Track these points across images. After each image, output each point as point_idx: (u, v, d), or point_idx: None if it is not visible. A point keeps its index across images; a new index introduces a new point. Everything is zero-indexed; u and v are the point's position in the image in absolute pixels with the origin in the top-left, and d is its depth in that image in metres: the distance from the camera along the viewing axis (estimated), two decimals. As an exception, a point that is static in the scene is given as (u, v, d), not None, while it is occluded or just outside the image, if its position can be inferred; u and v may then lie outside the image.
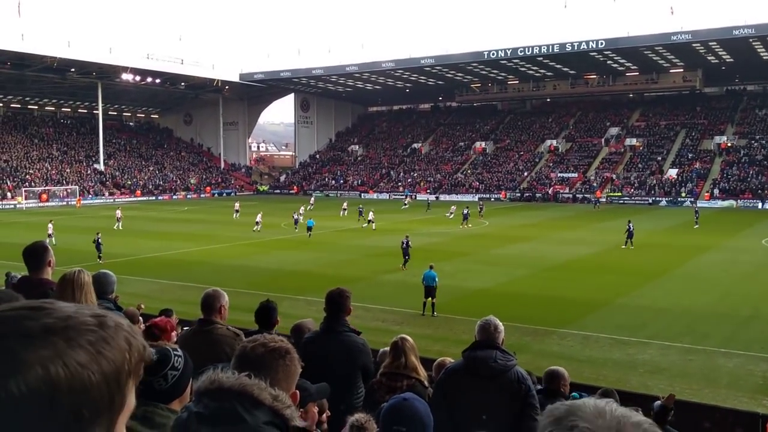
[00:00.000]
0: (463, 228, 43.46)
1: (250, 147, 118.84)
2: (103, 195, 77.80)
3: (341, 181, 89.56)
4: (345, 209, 54.34)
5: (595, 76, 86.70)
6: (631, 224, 34.13)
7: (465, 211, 45.78)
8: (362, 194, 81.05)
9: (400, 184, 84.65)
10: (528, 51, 75.43)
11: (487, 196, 73.01)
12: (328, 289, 5.40)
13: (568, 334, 18.12)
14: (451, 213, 49.43)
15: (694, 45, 68.32)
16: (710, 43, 67.65)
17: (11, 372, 0.88)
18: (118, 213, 45.35)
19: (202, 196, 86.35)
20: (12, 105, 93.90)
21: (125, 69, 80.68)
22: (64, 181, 77.45)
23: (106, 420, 0.95)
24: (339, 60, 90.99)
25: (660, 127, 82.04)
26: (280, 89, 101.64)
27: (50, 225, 36.39)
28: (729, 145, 73.47)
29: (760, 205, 62.18)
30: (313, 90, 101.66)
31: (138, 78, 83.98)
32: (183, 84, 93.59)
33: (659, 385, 13.49)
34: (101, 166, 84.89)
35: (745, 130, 76.16)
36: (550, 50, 74.04)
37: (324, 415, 3.86)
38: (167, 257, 32.02)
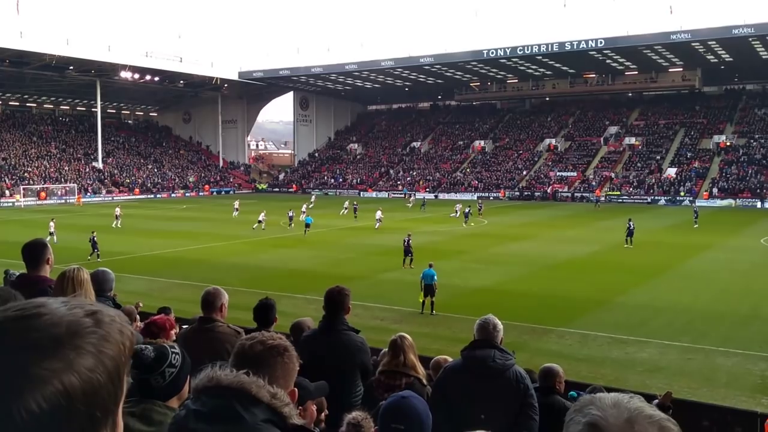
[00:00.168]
0: (465, 227, 43.64)
1: (249, 145, 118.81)
2: (101, 193, 77.74)
3: (340, 180, 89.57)
4: (346, 208, 54.39)
5: (594, 75, 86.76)
6: (631, 223, 34.16)
7: (467, 210, 46.42)
8: (361, 193, 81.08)
9: (399, 182, 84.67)
10: (527, 50, 75.45)
11: (486, 194, 73.03)
12: (327, 287, 5.40)
13: (567, 333, 18.13)
14: (457, 213, 49.60)
15: (693, 44, 68.37)
16: (709, 43, 67.71)
17: (28, 389, 0.88)
18: (118, 211, 45.36)
19: (200, 194, 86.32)
20: (10, 103, 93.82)
21: (124, 67, 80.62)
22: (63, 179, 77.41)
23: (113, 414, 0.98)
24: (338, 58, 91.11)
25: (659, 126, 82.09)
26: (279, 87, 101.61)
27: (52, 223, 36.38)
28: (728, 144, 73.55)
29: (758, 204, 62.24)
30: (312, 88, 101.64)
31: (137, 76, 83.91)
32: (182, 82, 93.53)
33: (658, 384, 13.49)
34: (100, 164, 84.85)
35: (744, 130, 76.22)
36: (550, 49, 74.04)
37: (322, 414, 3.86)
38: (166, 255, 32.01)
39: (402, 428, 2.90)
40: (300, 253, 32.31)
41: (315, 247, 34.62)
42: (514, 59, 78.71)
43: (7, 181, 72.61)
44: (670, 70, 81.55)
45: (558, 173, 77.64)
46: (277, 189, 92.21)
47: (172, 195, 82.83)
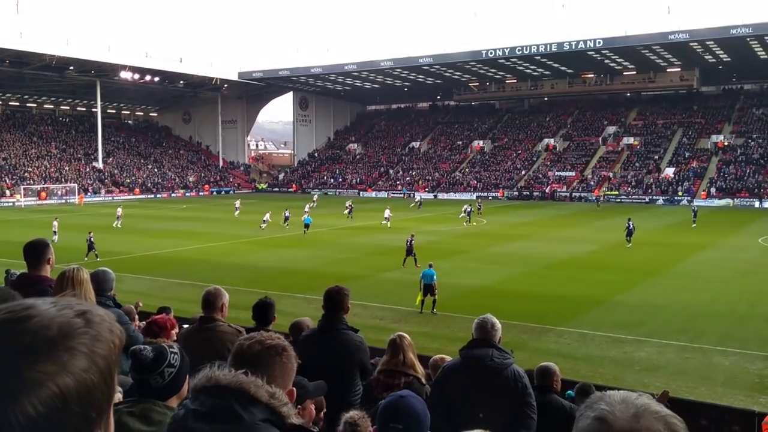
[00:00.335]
0: (467, 226, 43.77)
1: (248, 145, 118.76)
2: (100, 193, 77.66)
3: (340, 180, 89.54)
4: (348, 206, 54.37)
5: (592, 75, 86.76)
6: (631, 222, 34.17)
7: (468, 209, 46.90)
8: (361, 192, 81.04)
9: (398, 182, 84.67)
10: (526, 50, 75.44)
11: (485, 194, 73.01)
12: (327, 287, 5.42)
13: (566, 332, 18.16)
14: (464, 213, 49.70)
15: (691, 44, 68.38)
16: (707, 43, 67.72)
17: (24, 392, 0.88)
18: (119, 211, 45.44)
19: (200, 194, 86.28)
20: (10, 103, 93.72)
21: (124, 67, 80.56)
22: (63, 179, 77.35)
23: (107, 413, 0.98)
24: (338, 59, 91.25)
25: (657, 126, 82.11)
26: (278, 88, 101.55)
27: (55, 222, 36.43)
28: (726, 144, 73.57)
29: (756, 204, 62.27)
30: (311, 88, 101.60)
31: (137, 76, 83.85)
32: (182, 82, 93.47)
33: (656, 382, 13.52)
34: (100, 164, 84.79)
35: (742, 129, 76.24)
36: (548, 49, 74.03)
37: (321, 413, 3.89)
38: (166, 255, 32.01)
39: (400, 428, 2.92)
40: (300, 253, 32.31)
41: (315, 246, 34.62)
42: (512, 59, 78.70)
43: (7, 181, 72.56)
44: (668, 70, 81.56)
45: (556, 173, 77.65)
46: (276, 189, 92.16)
47: (172, 195, 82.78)
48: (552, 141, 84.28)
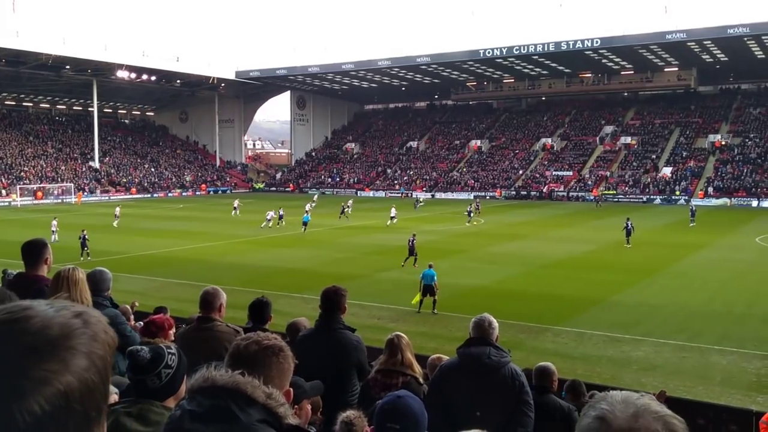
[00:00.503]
0: (468, 225, 43.96)
1: (245, 144, 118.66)
2: (96, 192, 77.51)
3: (337, 179, 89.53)
4: (349, 207, 54.44)
5: (590, 75, 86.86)
6: (629, 222, 34.20)
7: (469, 209, 47.08)
8: (358, 192, 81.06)
9: (396, 182, 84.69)
10: (523, 49, 75.51)
11: (483, 194, 73.05)
12: (324, 286, 5.41)
13: (563, 332, 18.18)
14: (478, 208, 49.78)
15: (688, 44, 68.49)
16: (705, 42, 67.84)
17: (30, 391, 0.89)
18: (117, 210, 45.50)
19: (197, 193, 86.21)
20: (6, 102, 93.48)
21: (120, 66, 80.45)
22: (59, 179, 77.21)
23: (104, 413, 1.00)
24: (335, 58, 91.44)
25: (654, 126, 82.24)
26: (276, 87, 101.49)
27: (54, 222, 36.42)
28: (723, 143, 73.70)
29: (753, 203, 62.40)
30: (309, 88, 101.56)
31: (133, 75, 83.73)
32: (178, 81, 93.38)
33: (653, 382, 13.55)
34: (96, 164, 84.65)
35: (739, 129, 76.40)
36: (546, 49, 74.11)
37: (318, 413, 3.88)
38: (162, 255, 31.97)
39: (397, 428, 2.91)
40: (298, 253, 32.29)
41: (313, 246, 34.61)
42: (510, 59, 78.76)
43: (3, 180, 72.41)
44: (665, 69, 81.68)
45: (554, 173, 77.72)
46: (274, 188, 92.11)
47: (169, 194, 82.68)
48: (549, 140, 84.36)
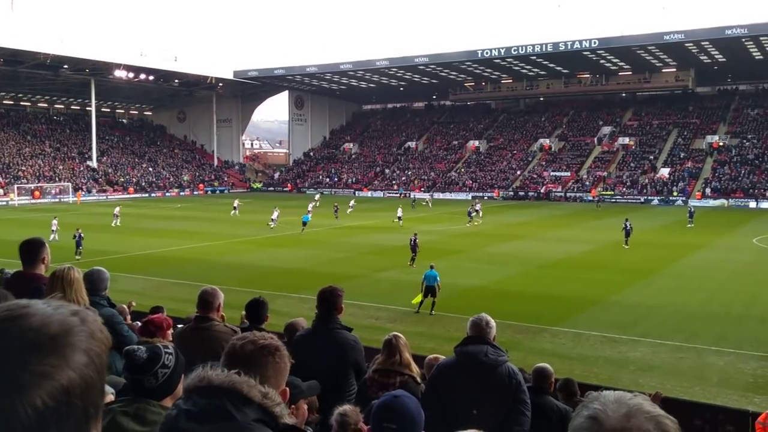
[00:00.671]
0: (470, 226, 44.06)
1: (243, 144, 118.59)
2: (92, 192, 77.39)
3: (335, 179, 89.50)
4: (352, 206, 54.56)
5: (588, 76, 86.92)
6: (628, 223, 34.23)
7: (470, 209, 47.28)
8: (356, 192, 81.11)
9: (394, 182, 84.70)
10: (521, 50, 75.55)
11: (481, 194, 73.09)
12: (322, 286, 5.41)
13: (561, 332, 18.20)
14: (479, 213, 49.87)
15: (686, 45, 68.57)
16: (703, 43, 67.91)
17: (33, 385, 0.90)
18: (117, 210, 45.54)
19: (195, 193, 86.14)
20: (4, 101, 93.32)
21: (118, 66, 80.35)
22: (57, 178, 77.10)
23: (101, 410, 1.01)
24: (333, 58, 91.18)
25: (652, 127, 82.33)
26: (274, 87, 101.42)
27: (54, 221, 36.44)
28: (721, 144, 73.79)
29: (751, 204, 62.50)
30: (307, 88, 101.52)
31: (131, 75, 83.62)
32: (176, 81, 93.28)
33: (650, 382, 13.57)
34: (94, 163, 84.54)
35: (736, 130, 76.51)
36: (544, 49, 74.14)
37: (314, 413, 3.89)
38: (160, 254, 31.94)
39: (394, 427, 2.91)
40: (296, 253, 32.28)
41: (311, 246, 34.59)
42: (508, 59, 78.79)
43: (1, 180, 72.28)
44: (663, 70, 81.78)
45: (552, 173, 77.77)
46: (272, 188, 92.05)
47: (167, 194, 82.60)
48: (547, 141, 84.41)
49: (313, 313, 5.49)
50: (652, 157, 75.87)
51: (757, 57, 70.89)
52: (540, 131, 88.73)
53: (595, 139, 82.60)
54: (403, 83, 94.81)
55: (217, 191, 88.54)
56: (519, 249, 33.18)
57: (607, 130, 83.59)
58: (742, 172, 68.17)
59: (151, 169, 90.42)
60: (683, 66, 78.60)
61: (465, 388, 4.60)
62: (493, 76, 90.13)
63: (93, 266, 5.48)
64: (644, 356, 16.12)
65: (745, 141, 73.77)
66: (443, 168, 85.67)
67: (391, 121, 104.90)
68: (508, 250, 33.00)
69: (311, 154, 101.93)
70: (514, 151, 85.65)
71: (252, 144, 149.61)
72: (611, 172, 75.12)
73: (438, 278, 20.07)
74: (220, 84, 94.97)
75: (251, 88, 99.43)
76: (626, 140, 79.68)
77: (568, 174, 76.73)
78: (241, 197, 66.56)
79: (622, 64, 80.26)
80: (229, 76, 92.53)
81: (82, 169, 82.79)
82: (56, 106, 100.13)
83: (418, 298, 20.22)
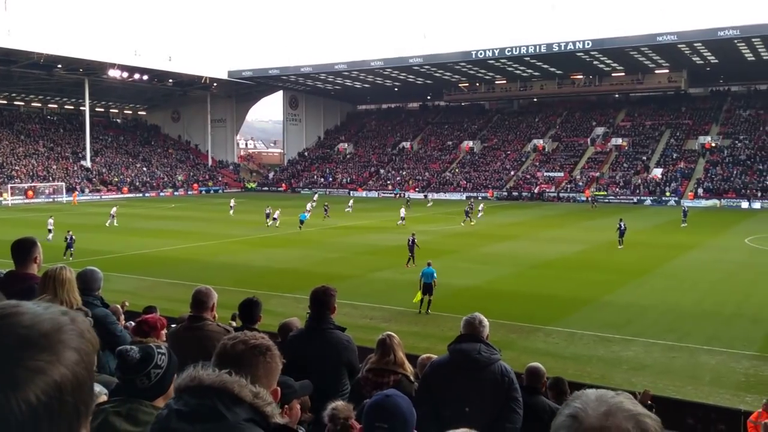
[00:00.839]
0: (465, 225, 44.17)
1: (238, 144, 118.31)
2: (85, 192, 77.07)
3: (330, 179, 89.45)
4: (350, 206, 54.54)
5: (581, 77, 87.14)
6: (622, 223, 34.34)
7: (467, 209, 47.30)
8: (351, 192, 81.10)
9: (389, 182, 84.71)
10: (515, 51, 75.68)
11: (475, 194, 73.17)
12: (316, 286, 5.42)
13: (554, 332, 18.25)
14: (481, 211, 49.97)
15: (679, 46, 68.83)
16: (695, 44, 68.19)
17: (27, 381, 0.91)
18: (113, 210, 45.49)
19: (189, 193, 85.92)
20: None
21: (112, 65, 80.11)
22: (51, 178, 76.79)
23: (91, 409, 1.02)
24: (328, 58, 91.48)
25: (645, 127, 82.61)
26: (268, 87, 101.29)
27: (50, 220, 36.37)
28: (713, 145, 74.12)
29: (743, 205, 62.80)
30: (301, 88, 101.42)
31: (125, 74, 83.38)
32: (171, 81, 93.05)
33: (643, 381, 13.62)
34: (88, 163, 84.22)
35: (729, 131, 76.86)
36: (538, 50, 74.32)
37: (306, 412, 3.90)
38: (154, 254, 31.85)
39: (385, 427, 2.92)
40: (290, 253, 32.25)
41: (305, 246, 34.57)
42: (502, 60, 78.92)
43: (-7, 179, 71.96)
44: (656, 71, 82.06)
45: (545, 173, 77.94)
46: (266, 188, 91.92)
47: (161, 194, 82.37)
48: (541, 142, 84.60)
49: (306, 313, 5.50)
50: (645, 158, 76.13)
51: (749, 58, 71.23)
52: (533, 132, 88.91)
53: (589, 139, 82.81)
54: (397, 83, 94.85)
55: (212, 191, 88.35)
56: (513, 249, 33.24)
57: (600, 130, 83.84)
58: (734, 172, 68.50)
59: (145, 168, 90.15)
60: (676, 67, 78.90)
61: (458, 385, 4.62)
62: (487, 77, 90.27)
63: (86, 266, 5.47)
64: (637, 355, 16.19)
65: (737, 142, 74.11)
66: (438, 168, 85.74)
67: (385, 121, 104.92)
68: (501, 250, 33.06)
69: (306, 154, 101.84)
70: (508, 152, 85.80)
71: (246, 144, 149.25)
72: (604, 173, 75.35)
73: (435, 275, 20.10)
74: (215, 84, 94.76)
75: (246, 88, 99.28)
76: (619, 141, 79.93)
77: (562, 174, 76.91)
78: (235, 197, 66.49)
79: (615, 65, 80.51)
80: (224, 76, 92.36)
81: (75, 168, 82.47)
82: (50, 105, 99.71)
83: (418, 297, 20.25)
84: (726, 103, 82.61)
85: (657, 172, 72.21)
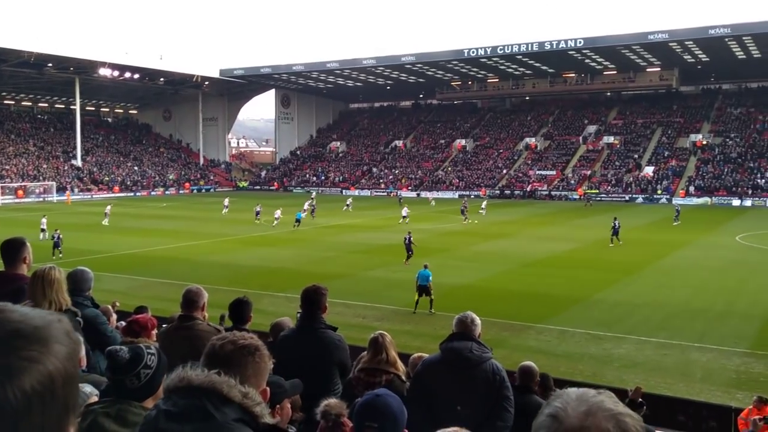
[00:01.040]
0: (466, 223, 44.23)
1: (229, 143, 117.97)
2: (75, 191, 76.63)
3: (322, 178, 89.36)
4: (349, 205, 54.47)
5: (573, 75, 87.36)
6: (616, 221, 34.47)
7: (462, 207, 47.42)
8: (344, 191, 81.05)
9: (381, 180, 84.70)
10: (508, 49, 75.81)
11: (467, 193, 73.27)
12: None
13: (546, 329, 18.31)
14: (483, 209, 49.94)
15: (670, 44, 69.13)
16: (686, 43, 68.51)
17: (22, 370, 0.92)
18: (108, 209, 45.34)
19: (180, 192, 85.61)
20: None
21: (103, 64, 79.66)
22: (41, 177, 76.33)
23: (78, 406, 1.06)
24: (320, 56, 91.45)
25: (637, 125, 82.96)
26: (260, 85, 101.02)
27: (44, 219, 36.22)
28: (704, 143, 74.52)
29: (734, 202, 63.18)
30: (293, 86, 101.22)
31: (116, 73, 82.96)
32: (162, 79, 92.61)
33: (635, 379, 13.68)
34: (79, 162, 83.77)
35: (720, 129, 77.28)
36: (530, 49, 74.47)
37: (297, 411, 3.89)
38: (145, 253, 31.72)
39: (375, 426, 2.92)
40: (283, 252, 32.20)
41: (298, 245, 34.52)
42: (494, 59, 79.04)
43: (-18, 179, 71.46)
44: (647, 69, 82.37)
45: (537, 172, 78.14)
46: (258, 187, 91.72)
47: (152, 193, 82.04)
48: (533, 140, 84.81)
49: (297, 313, 5.49)
50: (636, 156, 76.45)
51: (740, 56, 71.62)
52: (526, 130, 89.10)
53: (581, 138, 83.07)
54: (390, 82, 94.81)
55: (203, 190, 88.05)
56: (504, 247, 33.31)
57: (592, 129, 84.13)
58: (726, 170, 68.90)
59: (136, 168, 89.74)
60: (667, 65, 79.24)
61: (449, 383, 4.63)
62: (480, 76, 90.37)
63: (77, 266, 5.44)
64: (629, 353, 16.26)
65: (728, 140, 74.53)
66: (430, 167, 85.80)
67: (378, 119, 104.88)
68: (493, 248, 33.12)
69: (298, 152, 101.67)
70: (500, 150, 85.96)
71: (238, 143, 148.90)
72: (596, 171, 75.61)
73: (430, 278, 20.12)
74: (206, 83, 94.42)
75: (237, 87, 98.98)
76: (611, 139, 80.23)
77: (554, 173, 77.13)
78: (227, 196, 66.30)
79: (607, 63, 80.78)
80: (215, 74, 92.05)
81: (66, 168, 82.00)
82: (40, 104, 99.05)
83: (416, 297, 20.26)
84: (717, 101, 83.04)
85: (649, 170, 72.54)
